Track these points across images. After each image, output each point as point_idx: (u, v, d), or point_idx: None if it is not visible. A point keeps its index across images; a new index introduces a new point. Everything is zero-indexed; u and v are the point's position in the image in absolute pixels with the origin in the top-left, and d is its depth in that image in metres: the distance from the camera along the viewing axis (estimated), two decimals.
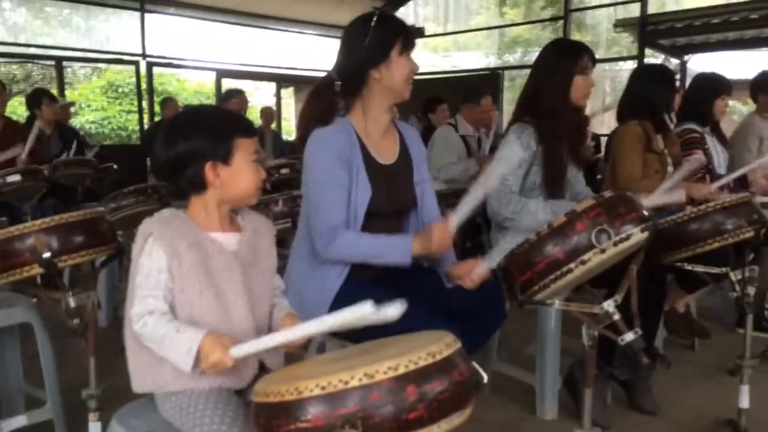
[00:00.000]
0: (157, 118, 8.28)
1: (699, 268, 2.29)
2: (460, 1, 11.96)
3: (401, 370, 1.00)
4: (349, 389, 0.99)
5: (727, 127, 3.92)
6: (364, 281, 1.86)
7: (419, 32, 9.78)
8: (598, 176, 5.63)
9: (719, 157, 3.53)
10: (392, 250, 1.82)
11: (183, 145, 1.39)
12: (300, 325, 1.25)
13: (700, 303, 3.53)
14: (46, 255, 1.81)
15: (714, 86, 3.49)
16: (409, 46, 1.91)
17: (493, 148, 4.48)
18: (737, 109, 12.39)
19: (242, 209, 1.53)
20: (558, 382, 2.51)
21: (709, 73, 3.68)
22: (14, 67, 8.56)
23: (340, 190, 1.85)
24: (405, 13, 10.57)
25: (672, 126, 3.20)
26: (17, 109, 8.34)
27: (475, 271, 1.80)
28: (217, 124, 1.43)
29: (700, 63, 8.71)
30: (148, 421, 1.44)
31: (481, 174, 1.78)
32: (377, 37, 1.87)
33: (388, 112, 1.97)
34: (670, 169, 2.98)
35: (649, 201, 2.02)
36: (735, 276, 2.21)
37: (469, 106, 4.52)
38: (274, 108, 9.32)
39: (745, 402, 2.27)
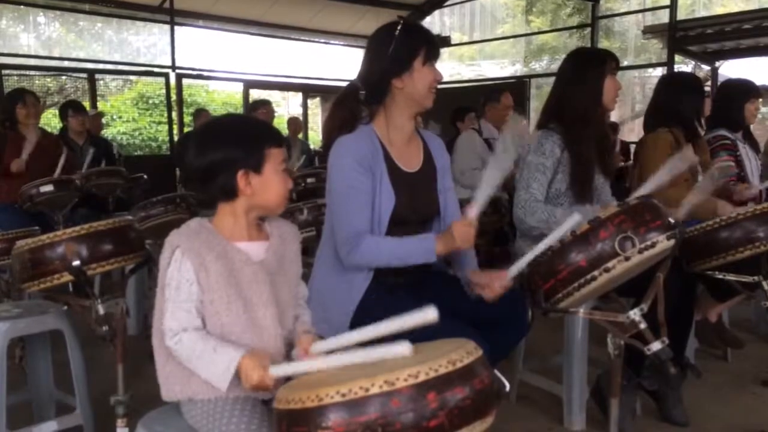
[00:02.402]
0: (186, 129, 8.39)
1: (730, 277, 2.25)
2: (486, 9, 11.94)
3: (422, 378, 1.00)
4: (370, 396, 0.99)
5: (761, 135, 3.85)
6: (388, 288, 1.86)
7: (445, 41, 9.79)
8: (627, 184, 5.55)
9: (751, 164, 3.46)
10: (415, 248, 1.82)
11: (216, 153, 1.41)
12: (340, 355, 1.24)
13: (733, 313, 3.45)
14: (76, 263, 1.85)
15: (742, 91, 3.43)
16: (432, 56, 1.91)
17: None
18: None
19: (270, 216, 1.54)
20: (586, 392, 2.48)
21: (736, 78, 3.62)
22: (48, 80, 8.74)
23: (363, 196, 1.85)
24: (431, 22, 10.59)
25: (702, 133, 3.16)
26: (51, 120, 8.52)
27: (498, 282, 1.78)
28: (249, 134, 1.45)
29: (731, 69, 8.57)
30: (173, 428, 1.45)
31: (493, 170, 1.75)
32: (401, 46, 1.87)
33: (411, 120, 1.97)
34: (700, 177, 2.93)
35: (678, 214, 1.98)
36: (767, 285, 2.16)
37: (491, 106, 4.58)
38: (301, 118, 9.40)
39: None
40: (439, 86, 1.96)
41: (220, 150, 1.41)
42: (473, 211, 1.77)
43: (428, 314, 1.12)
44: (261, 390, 1.32)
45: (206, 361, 1.33)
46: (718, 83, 7.74)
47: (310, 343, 1.38)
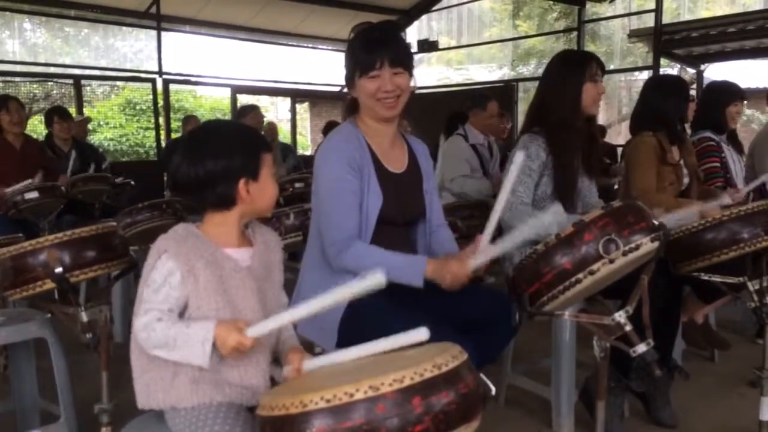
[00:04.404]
0: (174, 135, 8.35)
1: (716, 278, 2.25)
2: (473, 13, 11.99)
3: (407, 382, 0.99)
4: (355, 402, 0.98)
5: (746, 137, 3.87)
6: (377, 292, 1.85)
7: (433, 46, 9.77)
8: (615, 186, 5.58)
9: (736, 166, 3.48)
10: (405, 268, 1.79)
11: (215, 162, 1.38)
12: (310, 302, 1.25)
13: (719, 314, 3.48)
14: (59, 270, 1.82)
15: (725, 94, 3.45)
16: (365, 69, 1.85)
17: (503, 161, 4.43)
18: (755, 118, 12.29)
19: (252, 222, 1.53)
20: (574, 395, 2.48)
21: (720, 81, 3.64)
22: (34, 86, 8.68)
23: (352, 196, 1.85)
24: (419, 27, 10.61)
25: (687, 135, 3.17)
26: (37, 127, 8.47)
27: (459, 269, 1.72)
28: (245, 141, 1.43)
29: (716, 72, 8.65)
30: None
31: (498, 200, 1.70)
32: (346, 59, 1.92)
33: (383, 123, 1.95)
34: (685, 180, 2.95)
35: (663, 220, 1.99)
36: (752, 286, 2.17)
37: (476, 112, 4.43)
38: (290, 123, 9.38)
39: (766, 414, 2.21)
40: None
41: (220, 159, 1.38)
42: (472, 263, 1.72)
43: (419, 334, 1.11)
44: (239, 351, 1.30)
45: (182, 340, 1.31)
46: (703, 86, 7.82)
47: (300, 361, 1.36)
